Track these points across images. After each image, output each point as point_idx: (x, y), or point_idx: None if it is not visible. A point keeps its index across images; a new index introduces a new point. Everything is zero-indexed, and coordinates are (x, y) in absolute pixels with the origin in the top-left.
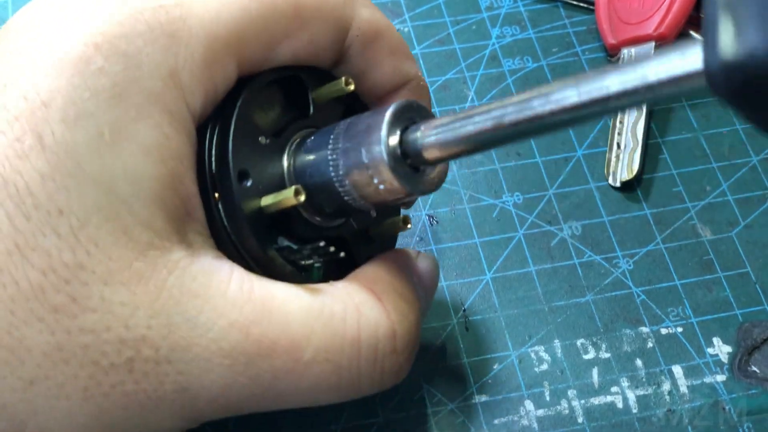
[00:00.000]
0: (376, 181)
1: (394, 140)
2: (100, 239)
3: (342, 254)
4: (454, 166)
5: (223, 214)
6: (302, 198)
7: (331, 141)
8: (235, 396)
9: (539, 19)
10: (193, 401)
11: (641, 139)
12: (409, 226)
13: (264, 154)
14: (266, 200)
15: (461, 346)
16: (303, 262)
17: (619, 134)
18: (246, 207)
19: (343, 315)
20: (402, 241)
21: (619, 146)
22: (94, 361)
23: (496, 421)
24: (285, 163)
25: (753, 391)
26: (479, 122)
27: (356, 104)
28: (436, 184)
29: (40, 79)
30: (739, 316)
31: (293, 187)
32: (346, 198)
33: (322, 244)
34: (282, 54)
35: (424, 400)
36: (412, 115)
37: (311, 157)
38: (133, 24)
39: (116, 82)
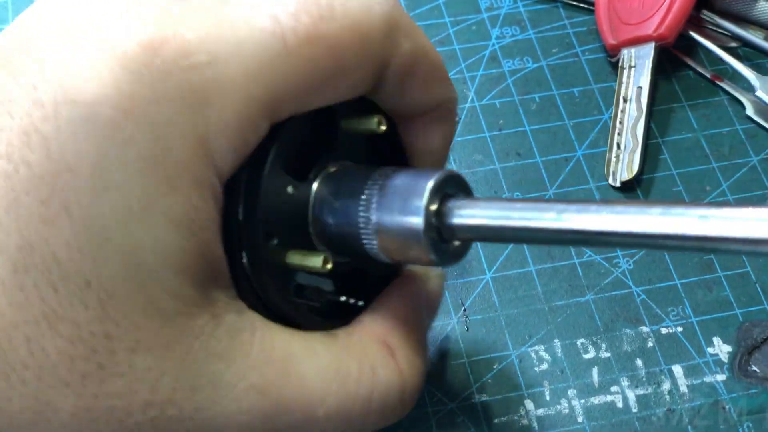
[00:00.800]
0: (407, 247)
1: (432, 212)
2: (128, 310)
3: (361, 303)
4: (453, 165)
5: (249, 272)
6: (329, 266)
7: (364, 195)
8: None
9: (539, 20)
10: None
11: (641, 139)
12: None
13: (290, 205)
14: (292, 259)
15: (461, 346)
16: (320, 310)
17: (619, 134)
18: (272, 264)
19: (357, 376)
20: None
21: (619, 146)
22: (120, 420)
23: (496, 421)
24: (311, 211)
25: (753, 391)
26: (530, 220)
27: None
28: (461, 256)
29: (65, 138)
30: (739, 316)
31: (322, 256)
32: (367, 249)
33: (343, 298)
34: (318, 103)
35: (424, 400)
36: (451, 186)
37: (338, 204)
38: (164, 89)
39: (145, 155)
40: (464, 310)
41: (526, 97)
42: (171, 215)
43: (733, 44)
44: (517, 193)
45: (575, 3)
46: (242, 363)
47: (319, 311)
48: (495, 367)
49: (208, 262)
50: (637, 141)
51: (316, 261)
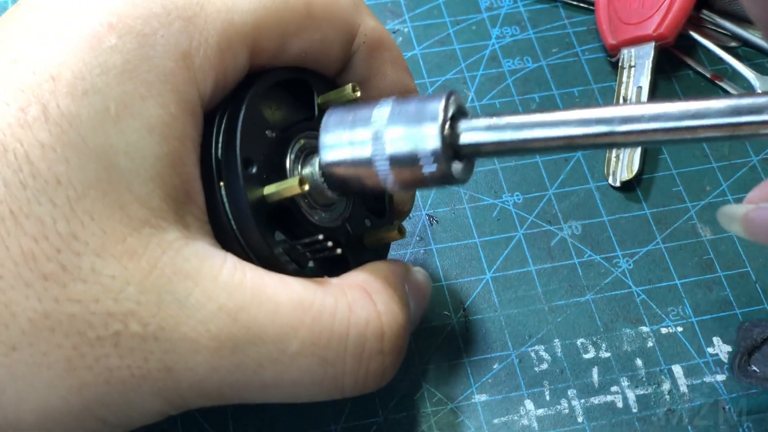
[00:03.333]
0: (422, 164)
1: (447, 128)
2: (96, 212)
3: (339, 251)
4: None
5: (225, 200)
6: (306, 188)
7: (372, 120)
8: (218, 381)
9: (539, 20)
10: (176, 383)
11: None
12: (403, 236)
13: (269, 146)
14: (269, 189)
15: (461, 345)
16: (298, 257)
17: None
18: (249, 194)
19: (333, 310)
20: (402, 240)
21: None
22: (80, 332)
23: (496, 421)
24: (289, 158)
25: (753, 391)
26: (545, 130)
27: None
28: (469, 177)
29: (51, 55)
30: (739, 316)
31: (297, 177)
32: (380, 176)
33: (320, 237)
34: (293, 50)
35: (424, 400)
36: (457, 106)
37: (343, 134)
38: (149, 6)
39: (128, 59)
40: (464, 310)
41: (526, 97)
42: (146, 118)
43: (733, 44)
44: (518, 193)
45: (575, 3)
46: (211, 284)
47: (297, 263)
48: (495, 366)
49: (181, 178)
50: None
51: (292, 182)
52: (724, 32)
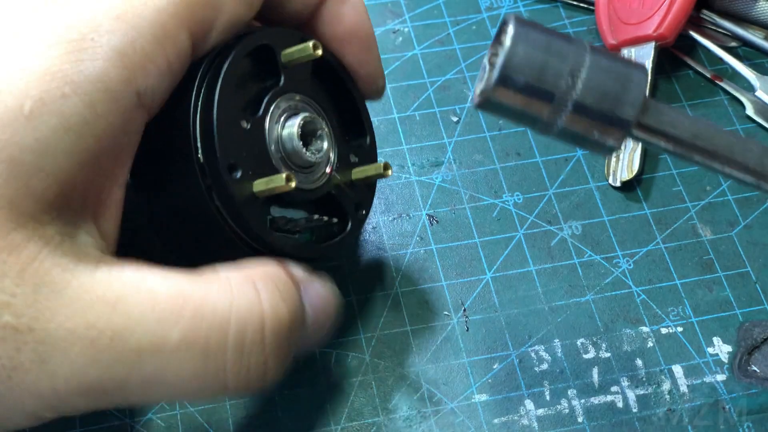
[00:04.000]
0: (600, 131)
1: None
2: None
3: (335, 220)
4: (453, 165)
5: (218, 204)
6: (293, 185)
7: (568, 57)
8: (98, 375)
9: (539, 20)
10: (51, 377)
11: None
12: (389, 172)
13: (248, 139)
14: (258, 186)
15: (461, 345)
16: (294, 228)
17: None
18: (239, 195)
19: (215, 301)
20: (402, 240)
21: None
22: None
23: (496, 421)
24: (270, 138)
25: (753, 391)
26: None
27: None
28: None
29: None
30: (739, 316)
31: (284, 174)
32: (553, 115)
33: (316, 216)
34: (228, 7)
35: (424, 400)
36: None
37: (535, 54)
38: (78, 11)
39: (53, 63)
40: (464, 310)
41: None
42: (66, 118)
43: (733, 44)
44: (518, 193)
45: (575, 3)
46: (90, 277)
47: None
48: (495, 366)
49: (89, 175)
50: None
51: (279, 181)
52: (724, 32)
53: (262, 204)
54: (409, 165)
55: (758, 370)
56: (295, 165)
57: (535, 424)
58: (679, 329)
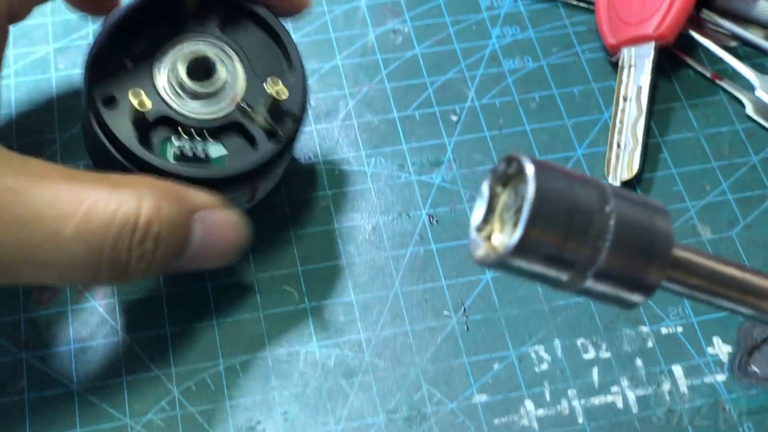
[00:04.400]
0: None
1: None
2: None
3: (212, 141)
4: (453, 165)
5: (98, 130)
6: (143, 101)
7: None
8: None
9: (539, 19)
10: None
11: (641, 138)
12: (279, 88)
13: (134, 77)
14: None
15: (461, 345)
16: (198, 154)
17: (619, 133)
18: (115, 123)
19: (105, 204)
20: (402, 240)
21: (619, 145)
22: None
23: (496, 421)
24: (158, 75)
25: (753, 391)
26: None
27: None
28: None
29: None
30: (739, 316)
31: (130, 90)
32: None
33: (207, 143)
34: None
35: (424, 400)
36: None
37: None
38: None
39: None
40: (464, 310)
41: (526, 97)
42: None
43: (733, 44)
44: None
45: (575, 2)
46: (2, 168)
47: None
48: (495, 367)
49: None
50: (637, 140)
51: (132, 98)
52: (724, 32)
53: (151, 131)
54: (409, 164)
55: (758, 371)
56: (188, 95)
57: (535, 425)
58: (679, 329)
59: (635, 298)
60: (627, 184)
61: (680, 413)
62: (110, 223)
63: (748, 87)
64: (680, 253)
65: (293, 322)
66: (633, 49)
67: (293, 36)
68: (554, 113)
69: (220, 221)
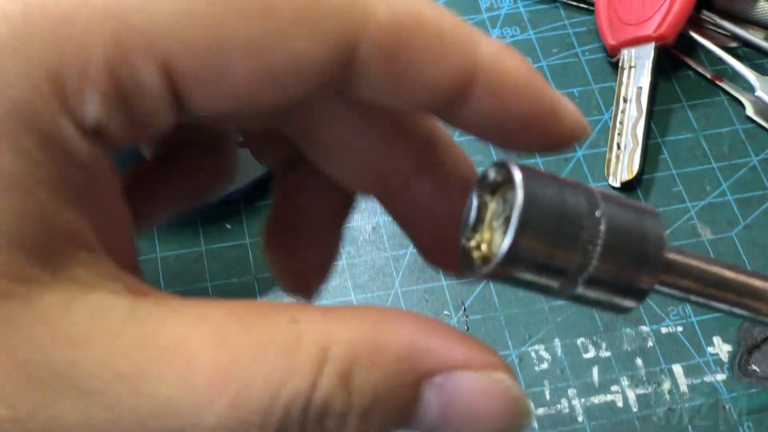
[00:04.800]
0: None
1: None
2: None
3: None
4: None
5: None
6: None
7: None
8: None
9: (539, 20)
10: None
11: (641, 139)
12: None
13: None
14: None
15: None
16: None
17: (619, 134)
18: None
19: (266, 377)
20: (402, 240)
21: (619, 146)
22: None
23: None
24: None
25: (753, 390)
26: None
27: None
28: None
29: None
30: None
31: None
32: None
33: None
34: (240, 75)
35: None
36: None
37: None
38: (1, 3)
39: None
40: (464, 310)
41: None
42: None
43: (733, 44)
44: None
45: (575, 3)
46: (106, 347)
47: None
48: None
49: (58, 232)
50: (637, 141)
51: None
52: (724, 32)
53: None
54: None
55: (758, 370)
56: None
57: (535, 424)
58: (679, 329)
59: (628, 303)
60: (627, 185)
61: (680, 412)
62: (271, 409)
63: (748, 88)
64: (673, 256)
65: None
66: (633, 50)
67: None
68: None
69: (470, 388)
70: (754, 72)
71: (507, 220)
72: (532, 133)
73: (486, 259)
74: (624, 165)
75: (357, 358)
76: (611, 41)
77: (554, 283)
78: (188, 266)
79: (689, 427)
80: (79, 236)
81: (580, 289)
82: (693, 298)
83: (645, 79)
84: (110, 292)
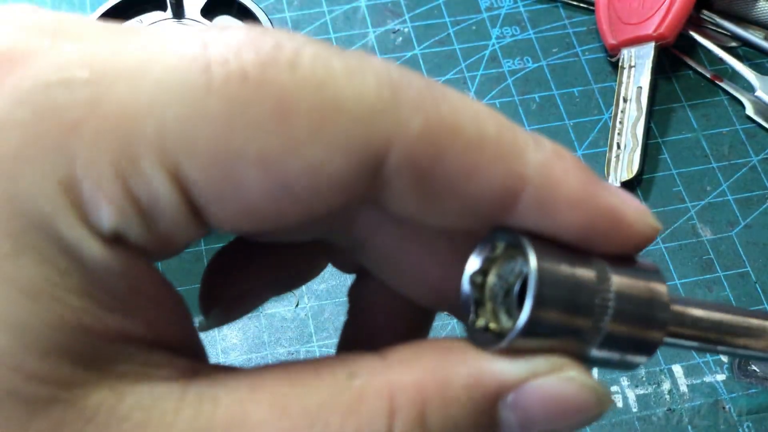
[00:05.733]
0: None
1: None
2: None
3: None
4: None
5: None
6: None
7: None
8: None
9: (539, 20)
10: None
11: (641, 139)
12: None
13: None
14: None
15: None
16: None
17: (619, 134)
18: None
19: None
20: None
21: (619, 146)
22: None
23: None
24: None
25: (753, 391)
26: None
27: None
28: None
29: None
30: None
31: None
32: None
33: None
34: (253, 191)
35: None
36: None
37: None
38: (11, 110)
39: None
40: None
41: (526, 97)
42: (21, 281)
43: (733, 44)
44: None
45: (575, 3)
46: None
47: None
48: None
49: (94, 335)
50: (637, 141)
51: None
52: (724, 32)
53: None
54: None
55: (758, 370)
56: None
57: None
58: None
59: (638, 359)
60: (627, 185)
61: (680, 412)
62: None
63: (748, 88)
64: (677, 308)
65: (293, 322)
66: (633, 50)
67: None
68: (554, 114)
69: (544, 397)
70: (754, 72)
71: (508, 294)
72: (594, 243)
73: (497, 334)
74: (624, 165)
75: (427, 399)
76: (611, 41)
77: (569, 348)
78: (188, 266)
79: (689, 427)
80: (123, 334)
81: (594, 353)
82: (702, 345)
83: (645, 79)
84: (161, 379)
